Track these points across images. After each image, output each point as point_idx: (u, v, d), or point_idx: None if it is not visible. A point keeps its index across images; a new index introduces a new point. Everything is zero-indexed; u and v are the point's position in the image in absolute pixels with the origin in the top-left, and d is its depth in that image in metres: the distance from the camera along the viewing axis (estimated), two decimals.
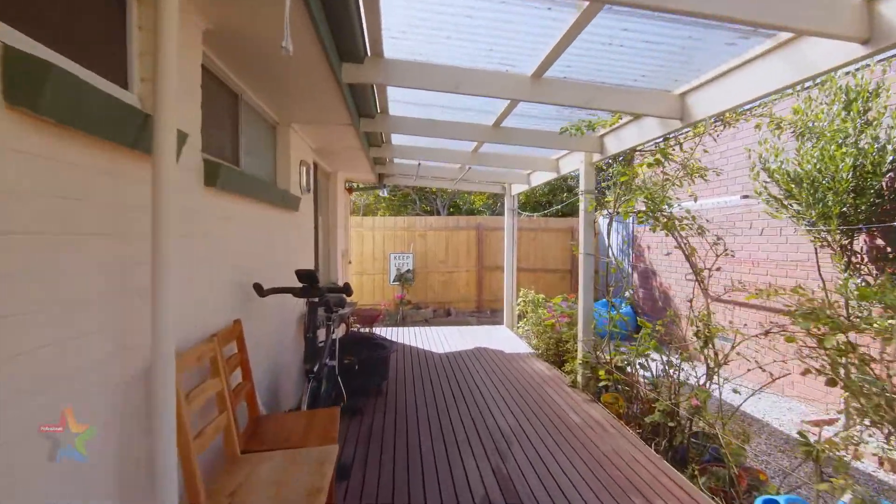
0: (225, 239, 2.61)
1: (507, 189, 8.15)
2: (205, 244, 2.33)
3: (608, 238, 5.02)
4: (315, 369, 3.05)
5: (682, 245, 3.94)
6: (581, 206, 4.96)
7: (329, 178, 6.77)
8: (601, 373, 4.48)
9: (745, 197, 5.53)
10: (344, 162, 6.10)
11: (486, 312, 10.52)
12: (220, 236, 2.55)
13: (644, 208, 4.18)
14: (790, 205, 4.88)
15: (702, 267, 3.87)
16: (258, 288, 2.75)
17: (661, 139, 3.93)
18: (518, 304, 7.27)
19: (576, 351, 5.39)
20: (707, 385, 3.53)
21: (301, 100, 3.41)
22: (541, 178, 6.70)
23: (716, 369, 3.41)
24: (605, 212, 5.35)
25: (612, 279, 9.17)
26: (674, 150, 4.08)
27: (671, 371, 4.06)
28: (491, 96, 3.11)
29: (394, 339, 7.26)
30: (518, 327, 7.73)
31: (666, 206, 3.98)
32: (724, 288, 4.41)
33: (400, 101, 4.09)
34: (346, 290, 3.12)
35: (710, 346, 3.38)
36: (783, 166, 4.86)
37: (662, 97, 3.29)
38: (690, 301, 3.93)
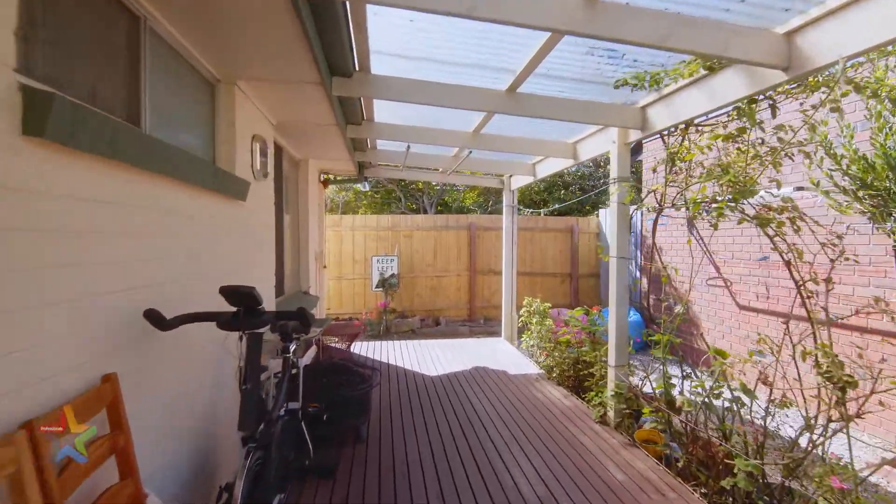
0: (99, 235, 1.54)
1: (505, 183, 7.16)
2: (42, 246, 1.26)
3: (653, 236, 4.05)
4: (257, 435, 1.99)
5: (781, 248, 2.97)
6: (613, 198, 3.99)
7: (298, 166, 5.66)
8: (646, 410, 3.49)
9: (800, 189, 4.64)
10: (316, 146, 5.02)
11: (480, 321, 9.51)
12: (86, 230, 1.48)
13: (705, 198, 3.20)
14: (864, 197, 3.98)
15: (806, 277, 2.88)
16: (155, 317, 1.68)
17: (732, 107, 2.96)
18: (521, 316, 6.28)
19: (601, 376, 4.42)
20: (821, 443, 2.57)
21: (246, 41, 2.35)
22: (551, 167, 5.72)
23: (839, 421, 2.45)
24: (634, 206, 4.39)
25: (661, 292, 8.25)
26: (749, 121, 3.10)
27: (741, 409, 3.10)
28: (520, 24, 2.08)
29: (376, 356, 6.18)
30: (522, 341, 6.73)
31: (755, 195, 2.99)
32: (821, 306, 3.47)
33: (385, 54, 3.04)
34: (302, 317, 2.06)
35: (843, 390, 2.41)
36: (856, 149, 3.96)
37: (761, 37, 2.32)
38: (786, 323, 2.94)
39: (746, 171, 2.85)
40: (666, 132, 3.68)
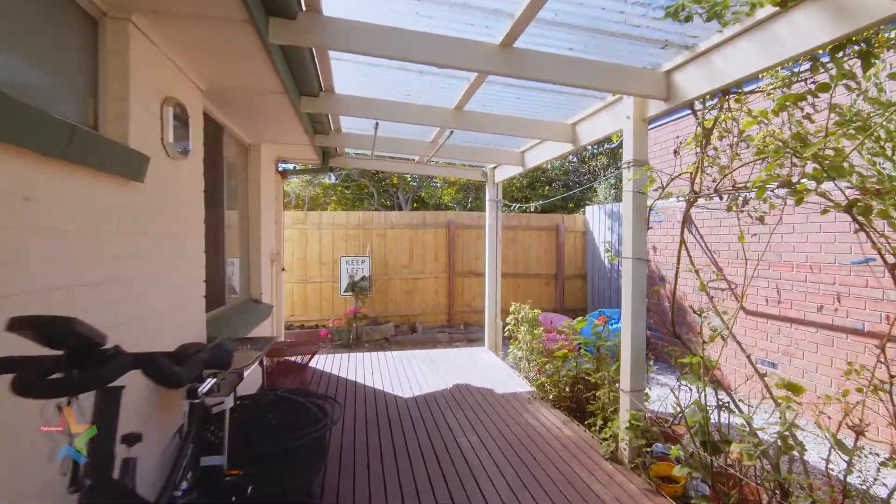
0: None
1: (488, 175, 6.44)
2: None
3: (682, 230, 3.37)
4: None
5: (882, 245, 2.31)
6: (626, 186, 3.29)
7: (248, 152, 4.79)
8: (674, 451, 2.80)
9: None
10: (267, 126, 4.17)
11: (460, 327, 8.76)
12: None
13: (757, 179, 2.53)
14: None
15: None
16: None
17: (799, 62, 2.29)
18: (507, 324, 5.56)
19: (611, 401, 3.72)
20: None
21: None
22: (543, 154, 5.01)
23: None
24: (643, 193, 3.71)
25: (673, 299, 7.66)
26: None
27: (803, 453, 2.43)
28: None
29: (343, 373, 5.35)
30: (508, 352, 6.01)
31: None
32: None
33: None
34: (180, 363, 1.25)
35: None
36: None
37: None
38: (882, 347, 2.29)
39: (831, 143, 2.17)
40: (697, 104, 3.00)
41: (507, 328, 5.61)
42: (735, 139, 2.67)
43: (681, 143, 3.40)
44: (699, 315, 3.02)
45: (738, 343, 3.10)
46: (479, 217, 9.10)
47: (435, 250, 8.87)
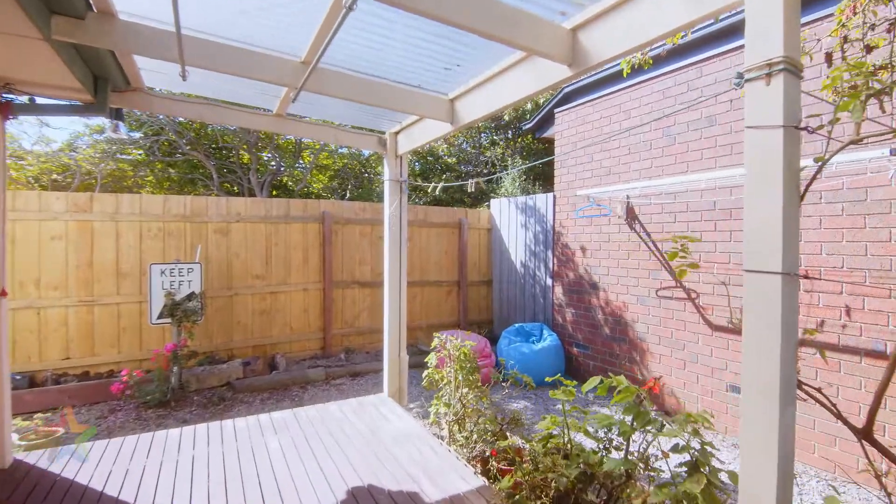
0: None
1: (389, 144, 4.41)
2: None
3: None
4: None
5: None
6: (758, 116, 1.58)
7: None
8: None
9: None
10: None
11: (339, 356, 6.53)
12: None
13: None
14: None
15: None
16: None
17: None
18: (428, 369, 3.61)
19: None
20: None
21: None
22: (482, 102, 3.14)
23: None
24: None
25: (588, 304, 6.31)
26: None
27: None
28: None
29: (129, 483, 2.81)
30: (430, 409, 4.08)
31: None
32: None
33: None
34: None
35: None
36: None
37: None
38: None
39: None
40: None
41: (425, 375, 3.66)
42: None
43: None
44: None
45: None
46: (364, 209, 6.96)
47: (304, 252, 6.50)
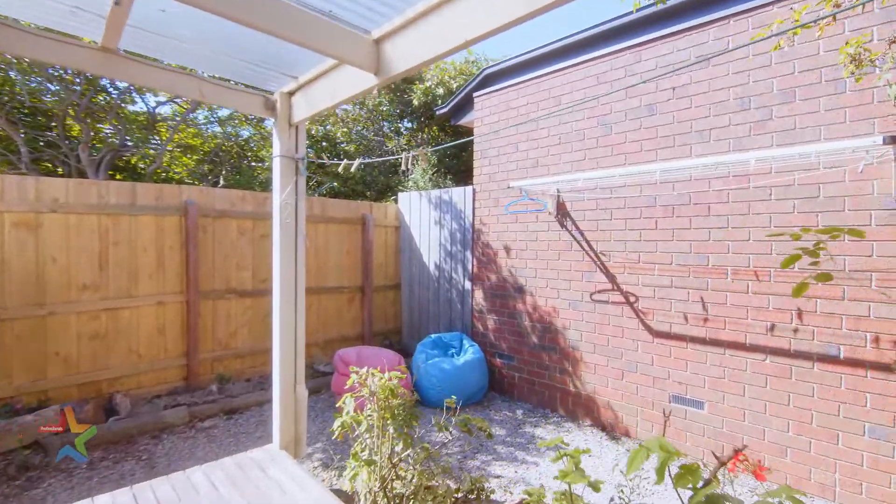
0: None
1: (279, 107, 3.27)
2: None
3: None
4: None
5: None
6: None
7: None
8: None
9: (893, 141, 2.63)
10: None
11: (211, 389, 5.08)
12: None
13: None
14: None
15: None
16: None
17: None
18: (343, 416, 2.58)
19: None
20: None
21: None
22: (419, 46, 2.23)
23: None
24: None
25: (514, 309, 5.57)
26: None
27: None
28: None
29: None
30: (348, 469, 3.03)
31: None
32: None
33: None
34: None
35: None
36: None
37: None
38: None
39: None
40: None
41: (338, 425, 2.62)
42: None
43: None
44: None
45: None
46: (244, 199, 5.58)
47: (159, 254, 4.94)
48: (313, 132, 8.26)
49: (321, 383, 5.55)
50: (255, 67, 2.97)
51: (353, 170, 3.10)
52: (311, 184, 8.13)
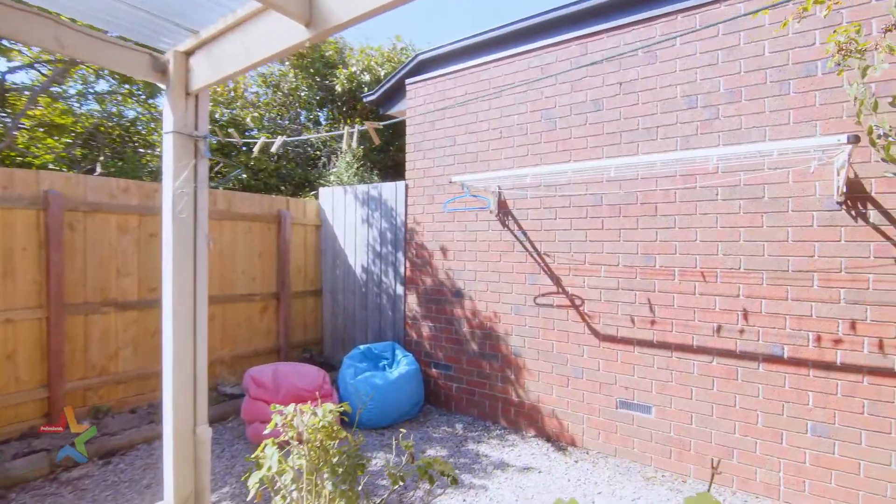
0: None
1: (174, 69, 2.54)
2: None
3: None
4: None
5: None
6: None
7: None
8: None
9: (855, 141, 2.57)
10: None
11: (83, 423, 4.04)
12: None
13: None
14: None
15: None
16: None
17: None
18: (261, 471, 1.97)
19: None
20: None
21: None
22: None
23: None
24: None
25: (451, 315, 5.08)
26: None
27: None
28: None
29: None
30: None
31: None
32: None
33: None
34: None
35: None
36: None
37: None
38: None
39: None
40: None
41: (254, 481, 2.00)
42: None
43: None
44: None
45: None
46: (127, 190, 4.59)
47: (6, 258, 3.83)
48: (216, 115, 7.22)
49: (228, 408, 4.73)
50: (143, 17, 2.24)
51: (273, 149, 2.47)
52: (211, 173, 7.08)
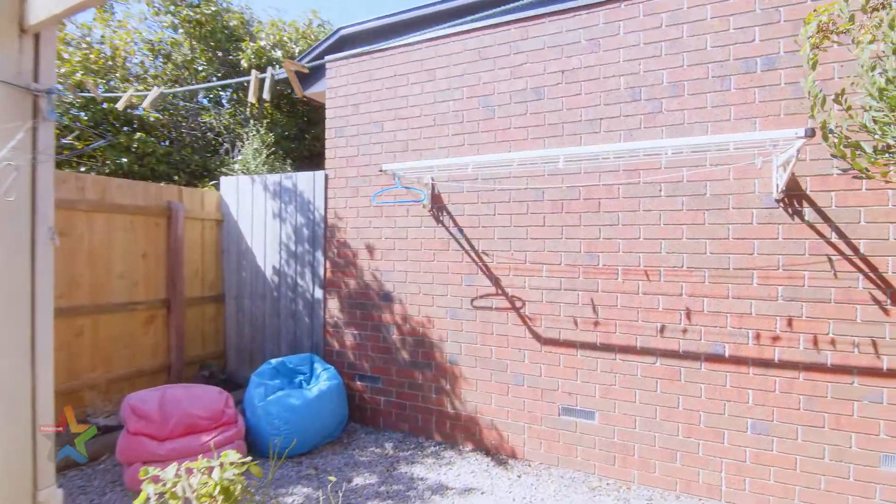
0: None
1: None
2: None
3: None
4: None
5: None
6: None
7: None
8: None
9: (811, 135, 2.49)
10: None
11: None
12: None
13: None
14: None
15: None
16: None
17: None
18: None
19: None
20: None
21: None
22: None
23: None
24: None
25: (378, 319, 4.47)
26: None
27: None
28: None
29: None
30: None
31: None
32: None
33: None
34: None
35: None
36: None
37: None
38: None
39: None
40: None
41: None
42: None
43: None
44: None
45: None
46: None
47: None
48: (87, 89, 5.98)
49: (101, 444, 3.80)
50: None
51: (146, 104, 1.79)
52: (86, 159, 5.83)
